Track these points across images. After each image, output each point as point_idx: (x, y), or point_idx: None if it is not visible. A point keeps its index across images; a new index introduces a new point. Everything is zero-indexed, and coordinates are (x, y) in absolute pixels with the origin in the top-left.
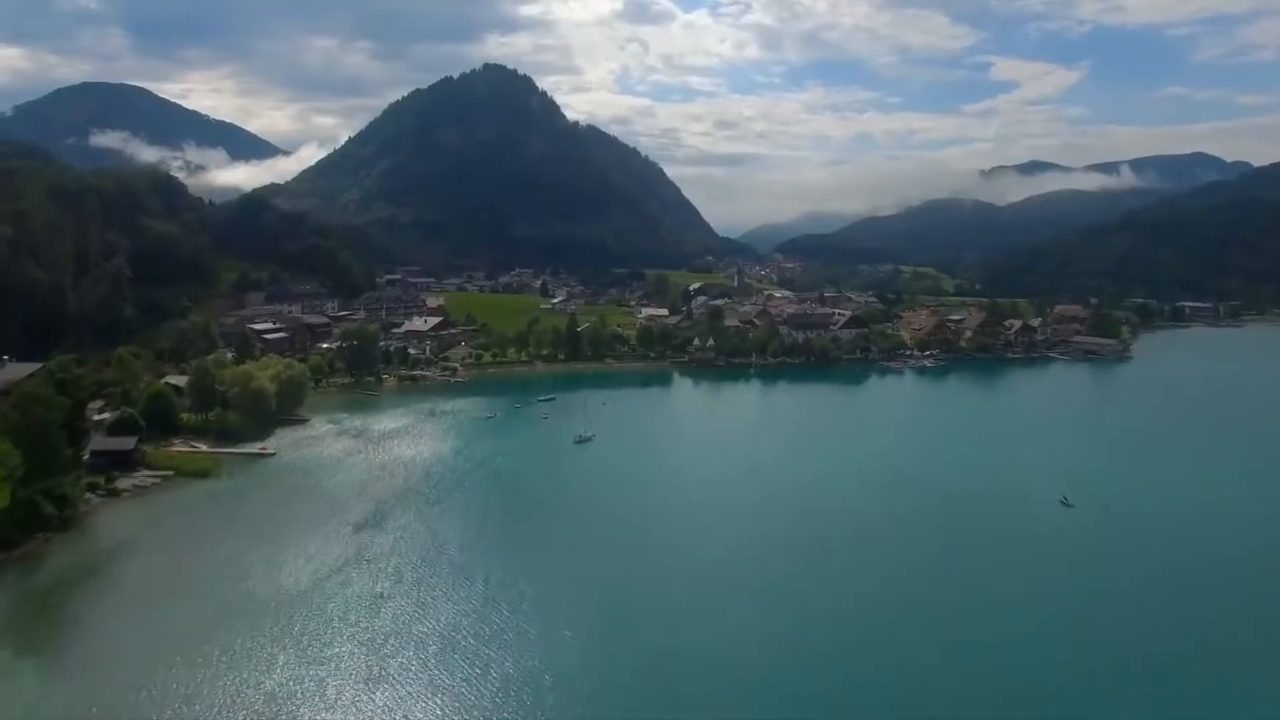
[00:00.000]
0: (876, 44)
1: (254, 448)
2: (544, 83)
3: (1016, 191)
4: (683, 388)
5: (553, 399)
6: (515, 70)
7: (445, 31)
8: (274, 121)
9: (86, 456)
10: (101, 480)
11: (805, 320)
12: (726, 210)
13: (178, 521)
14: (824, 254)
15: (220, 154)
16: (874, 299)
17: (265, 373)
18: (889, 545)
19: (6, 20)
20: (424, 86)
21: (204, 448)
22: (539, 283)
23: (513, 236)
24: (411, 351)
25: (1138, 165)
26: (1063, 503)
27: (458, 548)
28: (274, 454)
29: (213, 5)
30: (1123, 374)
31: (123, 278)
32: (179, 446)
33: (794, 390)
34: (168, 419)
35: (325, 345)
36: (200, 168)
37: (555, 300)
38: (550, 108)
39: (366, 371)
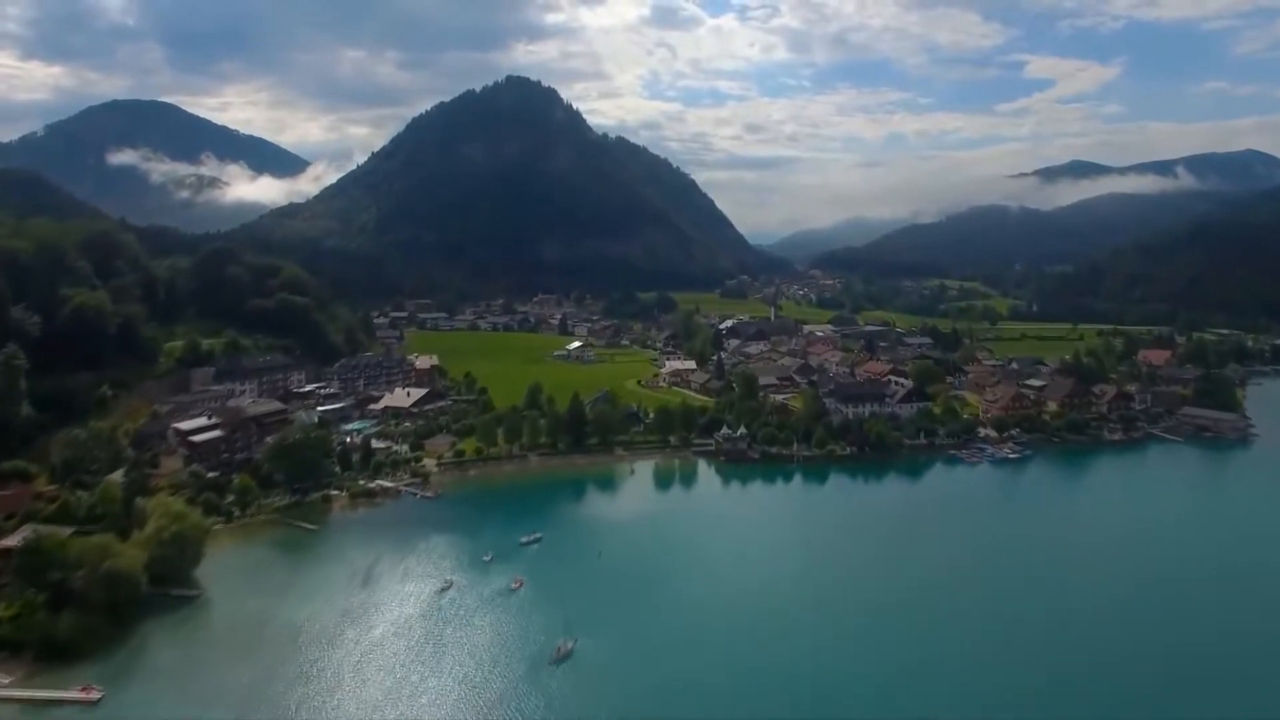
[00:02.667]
0: (905, 44)
1: (75, 689)
2: (572, 90)
3: (1064, 194)
4: (708, 498)
5: (538, 539)
6: (539, 82)
7: (472, 40)
8: (307, 132)
9: None
10: None
11: (855, 391)
12: (760, 216)
13: None
14: (863, 267)
15: (242, 168)
16: (927, 339)
17: (147, 529)
18: None
19: (48, 39)
20: (447, 99)
21: (6, 682)
22: (559, 316)
23: (538, 257)
24: (376, 445)
25: (1193, 165)
26: None
27: None
28: (99, 700)
29: (246, 19)
30: (1257, 465)
31: (16, 370)
32: None
33: (848, 501)
34: None
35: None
36: (216, 182)
37: (572, 346)
38: (576, 120)
39: (311, 484)
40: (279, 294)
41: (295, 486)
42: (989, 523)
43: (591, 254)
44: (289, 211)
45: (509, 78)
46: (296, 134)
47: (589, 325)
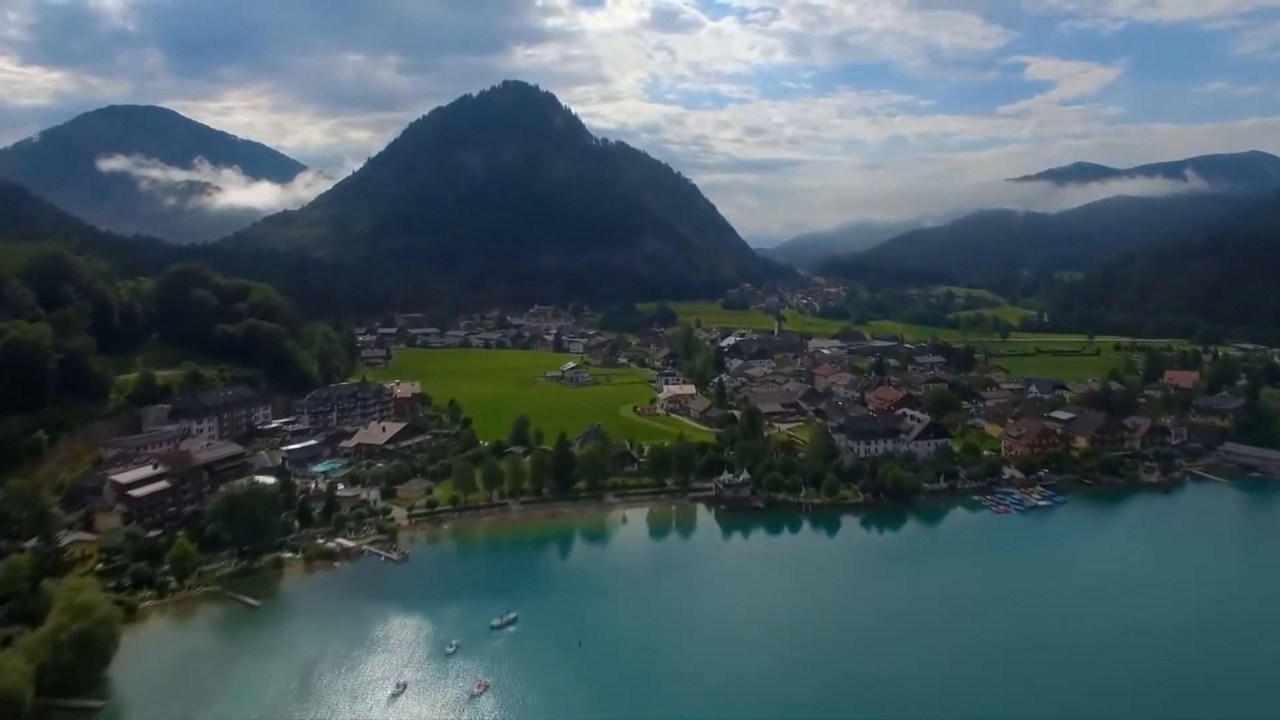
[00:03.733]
0: (906, 46)
1: None
2: (573, 93)
3: (1070, 198)
4: (708, 559)
5: (512, 620)
6: (537, 87)
7: (471, 44)
8: (309, 137)
9: None
10: None
11: (868, 427)
12: (761, 220)
13: None
14: (867, 273)
15: (237, 173)
16: (939, 357)
17: (43, 628)
18: None
19: (49, 44)
20: (444, 104)
21: None
22: (554, 331)
23: (536, 266)
24: (343, 493)
25: (1201, 166)
26: None
27: None
28: None
29: (245, 23)
30: None
31: None
32: None
33: (865, 561)
34: None
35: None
36: (206, 188)
37: (566, 367)
38: (575, 126)
39: (262, 545)
40: (247, 319)
41: (243, 549)
42: (1031, 592)
43: (591, 263)
44: (282, 219)
45: (506, 82)
46: (298, 138)
47: (585, 341)
